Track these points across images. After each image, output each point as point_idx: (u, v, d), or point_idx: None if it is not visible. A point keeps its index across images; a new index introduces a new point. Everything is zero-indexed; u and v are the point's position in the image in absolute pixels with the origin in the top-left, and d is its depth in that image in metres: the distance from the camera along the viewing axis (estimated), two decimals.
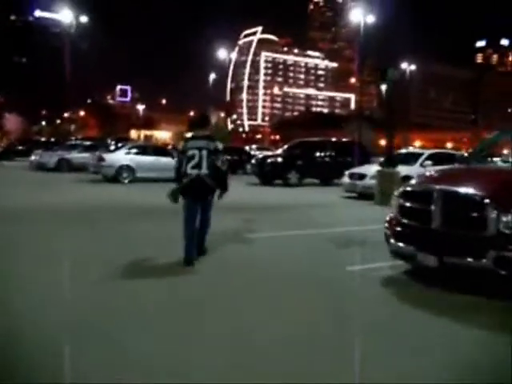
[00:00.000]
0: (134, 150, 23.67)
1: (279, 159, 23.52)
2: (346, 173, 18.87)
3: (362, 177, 18.01)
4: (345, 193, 18.95)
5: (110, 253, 8.22)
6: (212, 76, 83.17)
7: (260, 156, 25.38)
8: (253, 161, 25.47)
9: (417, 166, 18.24)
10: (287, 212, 14.45)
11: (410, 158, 18.66)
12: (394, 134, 18.51)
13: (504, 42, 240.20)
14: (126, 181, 22.47)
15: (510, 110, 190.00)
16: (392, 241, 6.74)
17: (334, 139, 26.72)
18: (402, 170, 16.77)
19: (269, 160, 23.62)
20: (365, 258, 8.09)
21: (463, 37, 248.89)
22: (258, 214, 13.44)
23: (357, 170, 18.94)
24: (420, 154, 19.03)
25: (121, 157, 22.98)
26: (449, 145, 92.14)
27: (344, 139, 29.16)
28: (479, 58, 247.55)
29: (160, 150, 24.99)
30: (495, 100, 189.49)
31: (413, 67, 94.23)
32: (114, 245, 8.99)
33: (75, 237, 9.50)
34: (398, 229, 6.69)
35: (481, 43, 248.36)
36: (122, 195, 18.13)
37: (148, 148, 24.81)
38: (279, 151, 26.16)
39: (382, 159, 20.22)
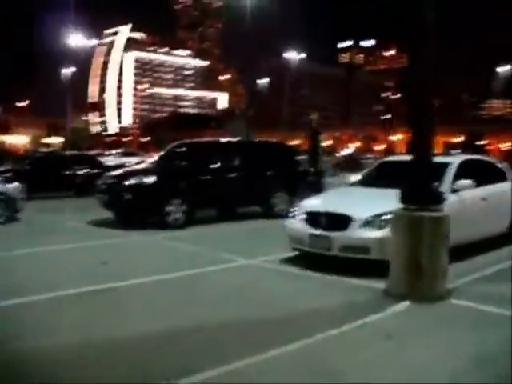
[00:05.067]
0: None
1: (149, 179, 12.46)
2: (299, 210, 8.62)
3: (340, 222, 7.85)
4: (289, 249, 8.91)
5: None
6: (73, 77, 72.01)
7: (113, 173, 14.13)
8: (100, 181, 13.84)
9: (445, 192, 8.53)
10: None
11: None
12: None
13: (367, 42, 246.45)
14: None
15: (379, 107, 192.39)
16: None
17: (245, 140, 16.69)
18: None
19: (129, 181, 12.49)
20: None
21: (328, 37, 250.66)
22: None
23: (323, 203, 8.70)
24: (441, 165, 9.07)
25: None
26: (327, 143, 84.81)
27: (260, 140, 18.97)
28: (345, 58, 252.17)
29: None
30: (364, 98, 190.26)
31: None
32: None
33: None
34: None
35: (345, 44, 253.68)
36: None
37: None
38: (150, 162, 15.50)
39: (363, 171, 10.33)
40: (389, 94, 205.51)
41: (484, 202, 9.22)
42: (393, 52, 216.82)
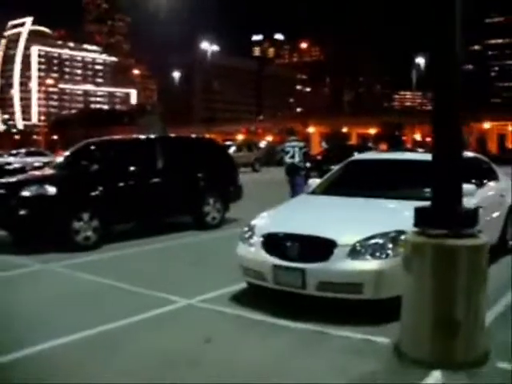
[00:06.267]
0: None
1: (50, 188, 9.71)
2: (254, 231, 6.30)
3: (317, 248, 5.60)
4: (235, 277, 6.63)
5: None
6: None
7: (4, 181, 11.29)
8: None
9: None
10: None
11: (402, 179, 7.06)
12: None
13: (279, 36, 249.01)
14: None
15: (291, 100, 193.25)
16: None
17: (168, 136, 14.39)
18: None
19: (24, 192, 9.69)
20: None
21: (241, 30, 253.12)
22: None
23: (287, 221, 6.38)
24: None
25: None
26: (240, 137, 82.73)
27: (187, 136, 16.53)
28: (257, 51, 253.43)
29: None
30: (275, 90, 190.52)
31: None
32: None
33: None
34: None
35: (258, 37, 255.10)
36: None
37: None
38: (53, 165, 12.88)
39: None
40: (301, 87, 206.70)
41: (481, 210, 7.31)
42: (305, 45, 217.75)
